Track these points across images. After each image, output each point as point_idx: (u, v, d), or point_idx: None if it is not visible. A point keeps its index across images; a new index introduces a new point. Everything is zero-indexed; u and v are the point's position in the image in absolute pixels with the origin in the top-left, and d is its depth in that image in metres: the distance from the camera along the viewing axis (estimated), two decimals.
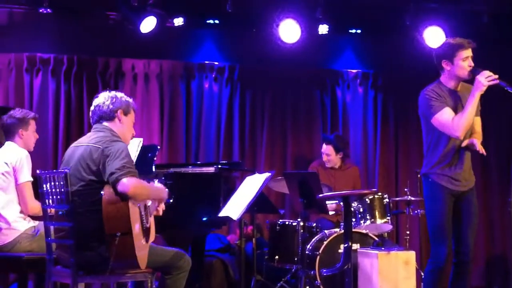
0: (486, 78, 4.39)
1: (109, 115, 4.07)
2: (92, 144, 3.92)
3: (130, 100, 4.19)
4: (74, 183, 3.86)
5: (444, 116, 4.48)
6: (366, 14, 7.32)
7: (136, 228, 3.81)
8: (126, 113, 4.11)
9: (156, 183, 4.39)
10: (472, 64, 4.54)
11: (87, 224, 3.82)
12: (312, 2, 7.02)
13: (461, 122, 4.43)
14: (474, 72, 4.49)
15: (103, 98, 4.11)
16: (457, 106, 4.56)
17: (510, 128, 6.27)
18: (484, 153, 4.52)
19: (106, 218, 3.73)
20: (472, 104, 4.43)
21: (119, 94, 4.15)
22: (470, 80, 4.56)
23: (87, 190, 3.85)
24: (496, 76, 4.41)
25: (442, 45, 4.69)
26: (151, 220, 4.17)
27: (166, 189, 4.18)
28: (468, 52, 4.54)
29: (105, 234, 3.74)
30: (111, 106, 4.07)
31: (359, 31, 7.62)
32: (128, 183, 3.70)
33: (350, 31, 7.62)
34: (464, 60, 4.53)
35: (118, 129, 4.06)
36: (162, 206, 4.22)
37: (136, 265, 3.82)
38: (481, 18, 7.08)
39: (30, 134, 5.01)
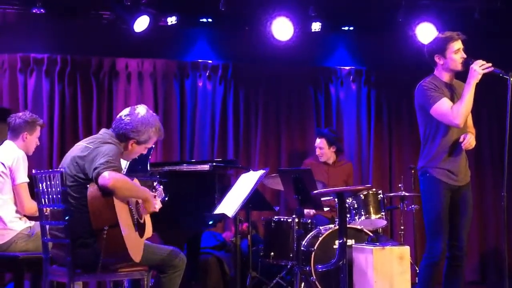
0: (480, 67, 4.45)
1: (120, 139, 4.04)
2: (86, 144, 3.99)
3: (155, 130, 4.08)
4: (67, 181, 3.90)
5: (444, 105, 4.52)
6: (358, 11, 7.34)
7: (124, 220, 3.80)
8: (140, 143, 4.09)
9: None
10: (464, 56, 4.58)
11: (80, 220, 3.84)
12: (305, 0, 7.04)
13: (460, 110, 4.47)
14: (467, 63, 4.53)
15: (129, 118, 4.02)
16: (453, 98, 4.60)
17: (501, 121, 6.29)
18: (463, 147, 4.55)
19: (92, 213, 3.76)
20: (470, 92, 4.47)
21: (148, 124, 4.04)
22: (463, 74, 4.60)
23: (75, 186, 3.89)
24: (490, 64, 4.46)
25: (433, 40, 4.74)
26: (147, 217, 4.18)
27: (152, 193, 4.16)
28: (459, 44, 4.59)
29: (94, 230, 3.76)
30: (127, 133, 4.03)
31: (351, 28, 7.65)
32: (109, 176, 3.69)
33: (342, 28, 7.65)
34: (456, 52, 4.58)
35: (123, 149, 4.05)
36: (158, 203, 4.23)
37: (128, 259, 3.81)
38: (472, 14, 7.11)
39: (33, 139, 5.04)
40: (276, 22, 7.06)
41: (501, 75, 4.45)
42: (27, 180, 4.82)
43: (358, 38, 7.78)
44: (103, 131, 4.12)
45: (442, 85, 4.62)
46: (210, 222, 5.49)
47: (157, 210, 4.14)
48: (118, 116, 4.13)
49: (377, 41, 7.64)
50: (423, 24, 7.08)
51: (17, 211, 4.83)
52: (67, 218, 3.82)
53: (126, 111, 4.13)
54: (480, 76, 4.46)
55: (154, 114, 4.17)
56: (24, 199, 4.81)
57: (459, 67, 4.59)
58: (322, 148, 6.96)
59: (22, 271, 4.86)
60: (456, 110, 4.48)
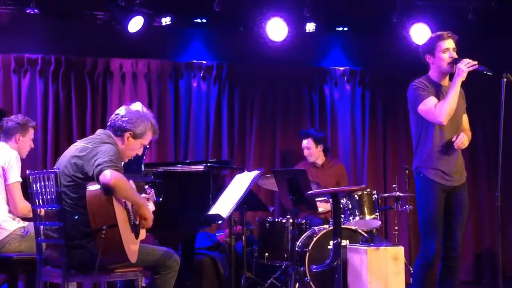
0: (465, 65, 4.45)
1: (116, 133, 4.07)
2: (83, 144, 3.98)
3: (150, 124, 4.13)
4: (63, 180, 3.89)
5: (429, 103, 4.53)
6: (353, 11, 7.35)
7: (122, 220, 3.80)
8: (136, 137, 4.10)
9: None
10: (454, 56, 4.58)
11: (75, 221, 3.83)
12: (299, 1, 7.04)
13: (443, 107, 4.47)
14: (455, 63, 4.53)
15: (124, 112, 4.09)
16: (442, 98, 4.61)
17: (496, 123, 6.33)
18: (455, 146, 4.55)
19: (91, 212, 3.74)
20: (454, 90, 4.48)
21: (143, 117, 4.10)
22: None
23: (72, 186, 3.88)
24: (475, 62, 4.46)
25: (426, 41, 4.76)
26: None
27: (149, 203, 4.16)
28: (448, 44, 4.59)
29: (92, 229, 3.75)
30: (123, 125, 4.06)
31: (346, 28, 7.65)
32: (111, 174, 3.70)
33: (337, 29, 7.64)
34: (444, 51, 4.58)
35: (120, 146, 4.06)
36: (151, 205, 4.22)
37: (125, 259, 3.81)
38: (466, 14, 7.13)
39: (26, 141, 5.06)
40: (270, 22, 7.05)
41: (485, 72, 4.46)
42: (20, 179, 4.82)
43: (352, 38, 7.78)
44: (99, 131, 4.11)
45: (432, 85, 4.62)
46: (205, 223, 5.48)
47: (151, 216, 4.09)
48: (113, 114, 4.15)
49: (372, 42, 7.65)
50: (418, 25, 7.09)
51: (9, 211, 4.82)
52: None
53: (121, 108, 4.16)
54: (465, 74, 4.46)
55: (149, 110, 4.23)
56: (16, 199, 4.80)
57: (447, 67, 4.58)
58: (310, 148, 6.96)
59: (15, 272, 4.85)
60: (440, 108, 4.49)
